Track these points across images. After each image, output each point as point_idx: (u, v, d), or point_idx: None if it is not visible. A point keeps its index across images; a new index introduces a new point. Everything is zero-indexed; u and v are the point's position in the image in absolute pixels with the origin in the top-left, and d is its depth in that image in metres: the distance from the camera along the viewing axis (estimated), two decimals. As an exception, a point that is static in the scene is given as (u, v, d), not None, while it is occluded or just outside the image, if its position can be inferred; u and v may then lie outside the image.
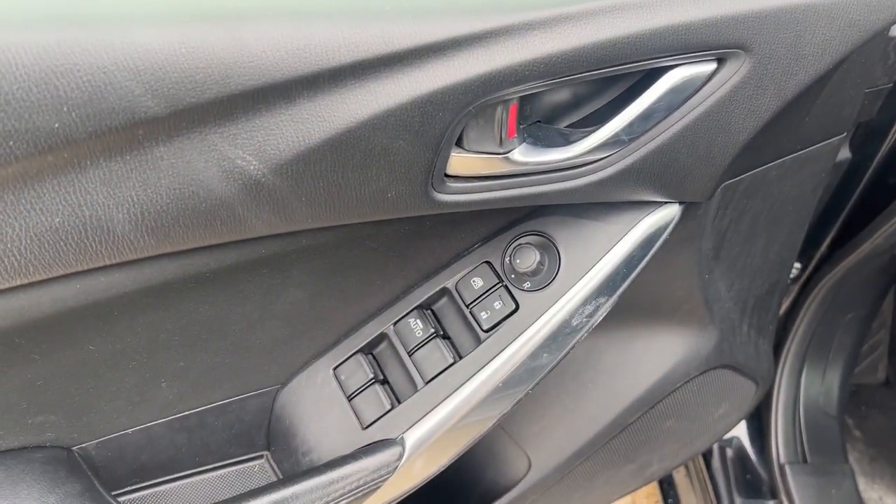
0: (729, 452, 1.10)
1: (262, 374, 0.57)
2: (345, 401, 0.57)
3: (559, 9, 0.42)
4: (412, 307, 0.56)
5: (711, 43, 0.45)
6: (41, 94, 0.32)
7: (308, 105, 0.38)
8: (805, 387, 1.07)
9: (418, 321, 0.56)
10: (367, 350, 0.57)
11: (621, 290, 0.54)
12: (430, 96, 0.40)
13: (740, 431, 1.12)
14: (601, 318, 0.54)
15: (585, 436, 0.72)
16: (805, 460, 1.07)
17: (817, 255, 1.01)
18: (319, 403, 0.58)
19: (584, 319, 0.54)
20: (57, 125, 0.33)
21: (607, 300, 0.54)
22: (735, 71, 0.46)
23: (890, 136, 0.83)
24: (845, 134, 0.67)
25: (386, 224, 0.49)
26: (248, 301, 0.49)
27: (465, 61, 0.40)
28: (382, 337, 0.57)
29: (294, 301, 0.51)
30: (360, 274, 0.54)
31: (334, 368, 0.58)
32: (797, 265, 1.02)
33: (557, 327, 0.53)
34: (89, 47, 0.33)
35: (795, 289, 1.04)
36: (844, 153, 0.79)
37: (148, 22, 0.35)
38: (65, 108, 0.33)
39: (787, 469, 1.07)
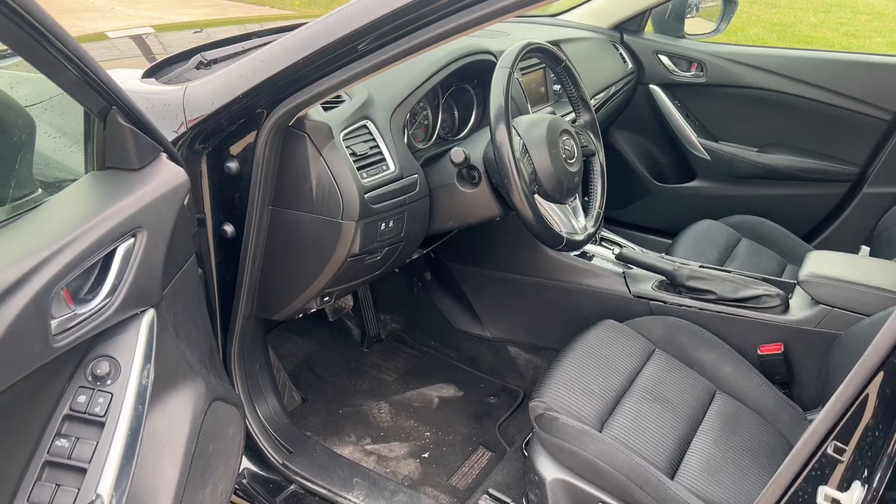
0: (245, 480, 1.63)
1: None
2: None
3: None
4: (61, 418, 0.94)
5: (123, 232, 1.00)
6: None
7: None
8: (262, 413, 1.68)
9: (63, 440, 0.95)
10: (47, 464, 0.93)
11: (153, 358, 1.04)
12: None
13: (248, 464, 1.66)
14: (153, 374, 1.03)
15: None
16: (290, 451, 1.68)
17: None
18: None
19: (146, 379, 1.02)
20: None
21: (150, 365, 1.03)
22: (143, 237, 1.03)
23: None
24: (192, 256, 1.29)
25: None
26: None
27: None
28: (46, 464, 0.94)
29: None
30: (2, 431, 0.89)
31: (28, 500, 0.92)
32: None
33: (136, 389, 1.00)
34: None
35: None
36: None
37: None
38: None
39: (289, 464, 1.66)
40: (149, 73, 1.57)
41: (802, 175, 2.59)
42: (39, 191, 1.07)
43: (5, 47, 1.58)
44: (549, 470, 1.48)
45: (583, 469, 1.44)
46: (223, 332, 1.58)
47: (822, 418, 0.95)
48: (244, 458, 1.63)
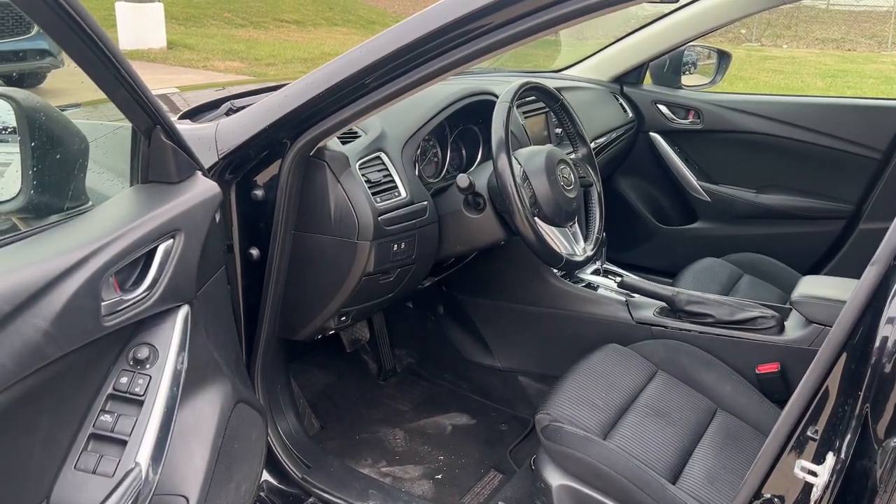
0: (264, 493, 1.71)
1: (30, 498, 0.97)
2: (96, 476, 1.02)
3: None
4: (105, 396, 1.06)
5: (164, 232, 1.13)
6: None
7: None
8: (283, 430, 1.77)
9: (106, 416, 1.06)
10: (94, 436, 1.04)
11: (187, 348, 1.16)
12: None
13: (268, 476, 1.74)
14: (187, 362, 1.14)
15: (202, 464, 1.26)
16: (309, 467, 1.76)
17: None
18: (80, 494, 1.01)
19: (181, 365, 1.13)
20: None
21: (185, 353, 1.15)
22: (181, 238, 1.16)
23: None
24: (223, 267, 1.41)
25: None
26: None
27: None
28: (91, 436, 1.05)
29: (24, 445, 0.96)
30: (56, 401, 1.01)
31: (75, 466, 1.02)
32: None
33: (172, 373, 1.12)
34: None
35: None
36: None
37: None
38: None
39: (308, 478, 1.74)
40: (184, 116, 1.73)
41: (800, 214, 2.70)
42: (90, 202, 1.21)
43: (67, 102, 1.78)
44: (554, 477, 1.55)
45: (586, 474, 1.51)
46: (247, 353, 1.69)
47: (795, 398, 1.04)
48: (264, 471, 1.72)
